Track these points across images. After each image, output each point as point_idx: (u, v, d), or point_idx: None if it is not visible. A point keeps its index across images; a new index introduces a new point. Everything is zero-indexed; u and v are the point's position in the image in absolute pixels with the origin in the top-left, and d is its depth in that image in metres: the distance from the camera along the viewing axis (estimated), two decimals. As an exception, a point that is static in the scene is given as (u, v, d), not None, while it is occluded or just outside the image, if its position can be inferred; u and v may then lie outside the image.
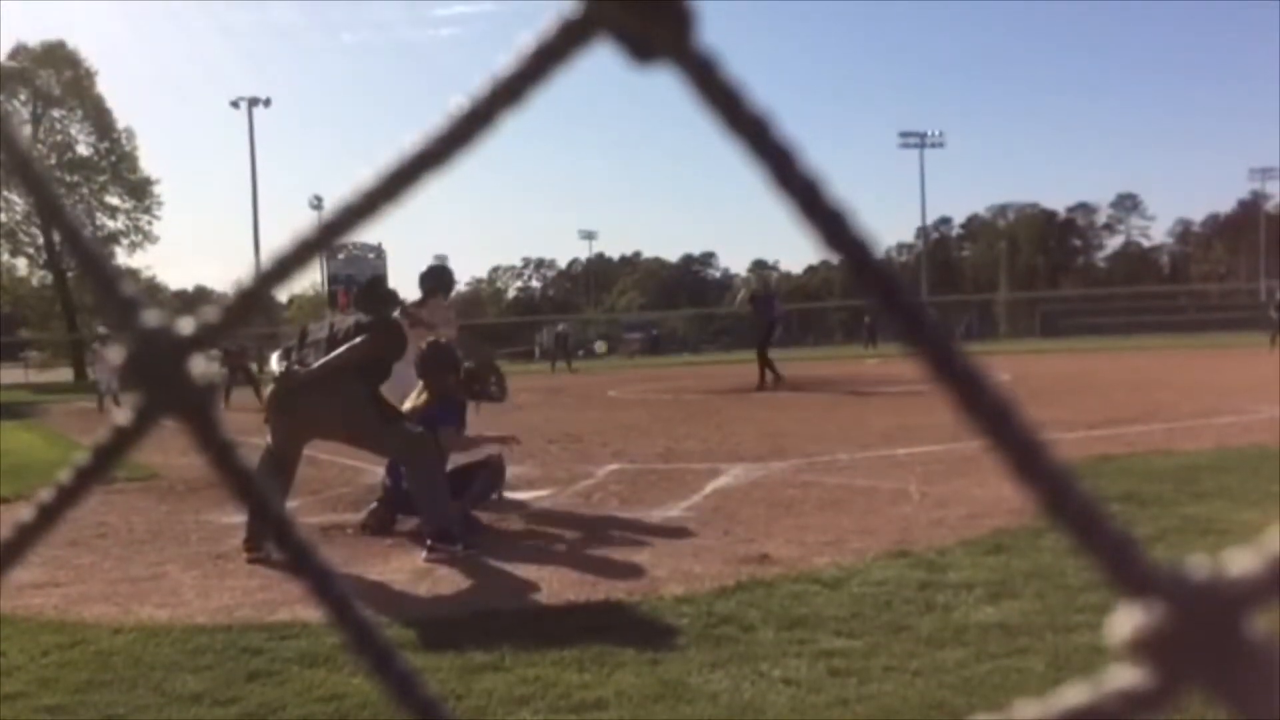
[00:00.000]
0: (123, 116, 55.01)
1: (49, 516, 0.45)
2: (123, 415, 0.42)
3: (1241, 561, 0.24)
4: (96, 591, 5.35)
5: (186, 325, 0.40)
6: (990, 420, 0.26)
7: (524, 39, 0.29)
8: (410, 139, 0.31)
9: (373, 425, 6.02)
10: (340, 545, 6.18)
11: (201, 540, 6.59)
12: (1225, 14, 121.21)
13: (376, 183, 0.32)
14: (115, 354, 0.42)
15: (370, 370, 6.08)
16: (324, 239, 0.38)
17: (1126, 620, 0.25)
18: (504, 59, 0.30)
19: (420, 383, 6.89)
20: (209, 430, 0.41)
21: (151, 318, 0.38)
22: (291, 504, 6.39)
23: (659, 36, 0.27)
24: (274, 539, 0.41)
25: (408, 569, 5.60)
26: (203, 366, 0.39)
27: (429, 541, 5.86)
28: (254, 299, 0.39)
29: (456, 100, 0.31)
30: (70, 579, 5.58)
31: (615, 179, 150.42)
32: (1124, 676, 0.25)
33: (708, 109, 0.28)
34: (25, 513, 0.45)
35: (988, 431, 0.26)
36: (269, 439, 6.03)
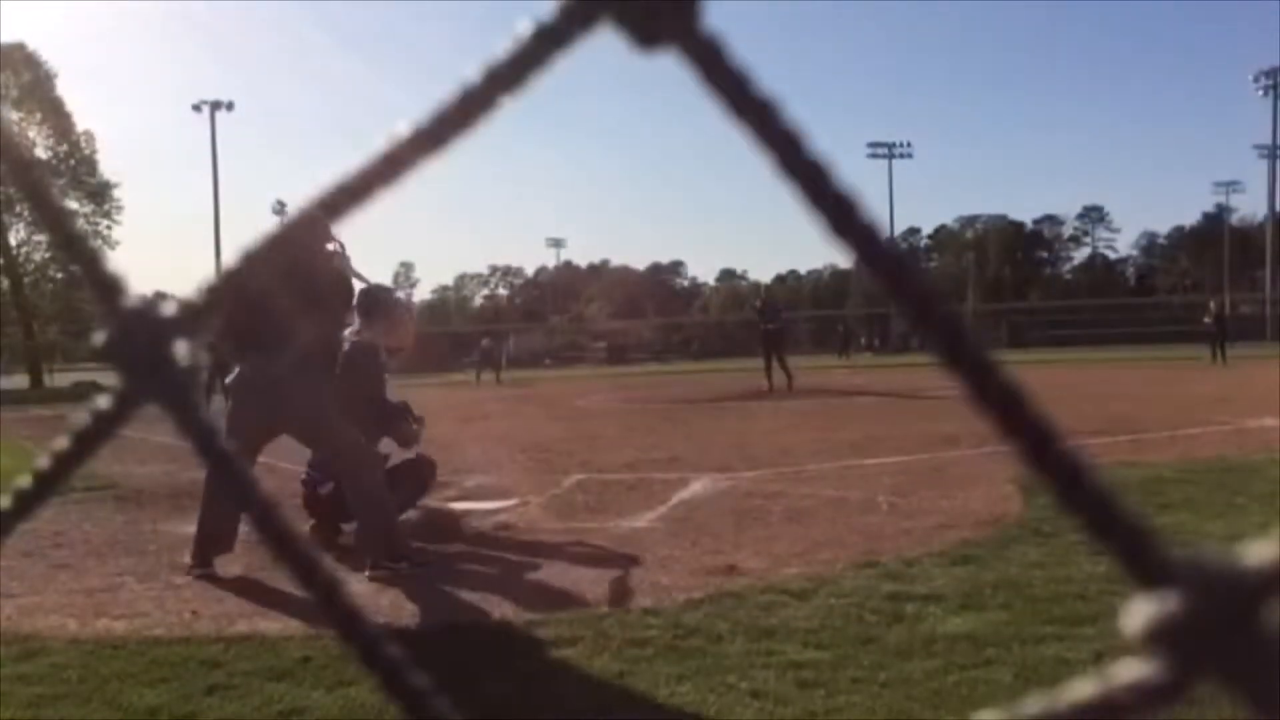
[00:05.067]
0: (82, 119, 54.00)
1: (27, 505, 0.44)
2: (102, 399, 0.41)
3: (1259, 552, 0.24)
4: (52, 603, 5.25)
5: (169, 307, 0.39)
6: (1003, 407, 0.25)
7: (523, 23, 0.29)
8: (404, 125, 0.31)
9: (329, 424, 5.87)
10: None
11: (159, 551, 6.49)
12: (1192, 28, 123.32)
13: (371, 164, 0.31)
14: (97, 336, 0.40)
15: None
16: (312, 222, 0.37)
17: (1141, 610, 0.24)
18: (503, 43, 0.29)
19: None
20: (190, 416, 0.40)
21: (133, 299, 0.37)
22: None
23: (664, 20, 0.26)
24: (255, 527, 0.40)
25: (368, 582, 5.52)
26: (185, 350, 0.38)
27: (370, 560, 5.59)
28: (239, 280, 0.38)
29: (452, 86, 0.30)
30: (24, 590, 5.48)
31: (584, 187, 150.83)
32: (1135, 669, 0.24)
33: (713, 94, 0.27)
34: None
35: (1000, 420, 0.25)
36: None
